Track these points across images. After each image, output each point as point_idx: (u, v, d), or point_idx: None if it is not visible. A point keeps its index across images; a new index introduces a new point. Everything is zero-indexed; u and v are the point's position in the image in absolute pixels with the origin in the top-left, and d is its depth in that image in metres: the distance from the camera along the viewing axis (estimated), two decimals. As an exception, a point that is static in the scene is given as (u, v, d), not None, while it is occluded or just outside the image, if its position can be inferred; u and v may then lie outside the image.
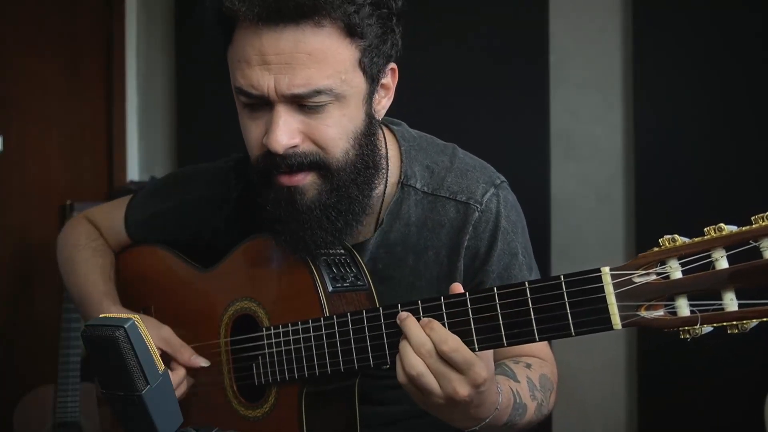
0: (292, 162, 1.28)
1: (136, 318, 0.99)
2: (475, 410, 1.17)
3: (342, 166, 1.30)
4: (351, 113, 1.29)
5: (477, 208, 1.40)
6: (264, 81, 1.24)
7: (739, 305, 1.00)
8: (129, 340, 0.97)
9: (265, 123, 1.28)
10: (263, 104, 1.28)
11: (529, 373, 1.35)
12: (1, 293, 3.34)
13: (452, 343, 1.13)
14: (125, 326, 0.97)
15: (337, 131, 1.28)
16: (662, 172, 2.88)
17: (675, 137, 2.86)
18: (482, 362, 1.14)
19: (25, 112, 3.40)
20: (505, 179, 1.46)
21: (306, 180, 1.30)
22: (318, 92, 1.24)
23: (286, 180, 1.30)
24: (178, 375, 1.45)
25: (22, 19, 3.41)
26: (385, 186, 1.43)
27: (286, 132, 1.26)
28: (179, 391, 1.45)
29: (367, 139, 1.33)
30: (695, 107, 2.84)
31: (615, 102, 2.98)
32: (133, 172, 3.72)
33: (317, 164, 1.29)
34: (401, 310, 1.21)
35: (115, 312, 1.51)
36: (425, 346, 1.14)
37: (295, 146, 1.27)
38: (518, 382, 1.31)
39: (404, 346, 1.16)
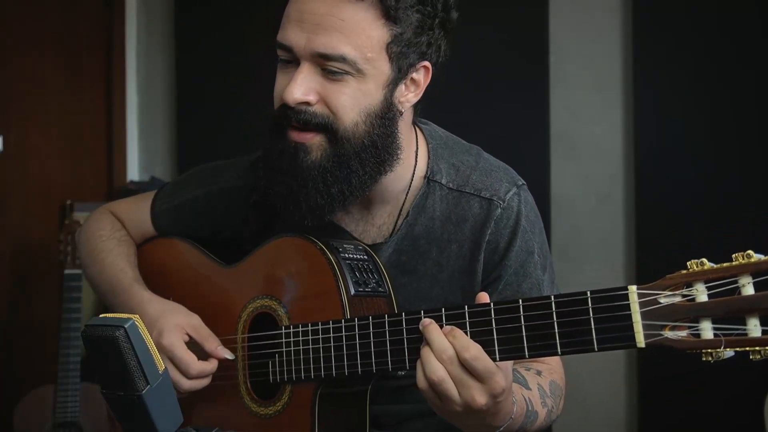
0: (301, 117, 1.34)
1: (137, 318, 0.99)
2: (491, 419, 1.19)
3: (349, 136, 1.35)
4: (368, 90, 1.35)
5: (500, 204, 1.44)
6: (295, 36, 1.33)
7: (763, 332, 1.01)
8: (129, 340, 0.97)
9: (290, 78, 1.35)
10: (295, 63, 1.35)
11: (539, 380, 1.37)
12: (1, 293, 3.34)
13: (474, 351, 1.15)
14: (125, 326, 0.97)
15: (350, 100, 1.34)
16: (662, 171, 2.88)
17: (675, 137, 2.87)
18: (502, 372, 1.15)
19: (25, 112, 3.40)
20: (525, 182, 1.50)
21: (314, 140, 1.36)
22: (343, 58, 1.31)
23: (295, 136, 1.36)
24: (206, 366, 1.45)
25: (22, 18, 3.41)
26: (411, 181, 1.46)
27: (302, 87, 1.33)
28: (200, 383, 1.45)
29: (380, 121, 1.37)
30: (695, 107, 2.84)
31: (615, 102, 2.98)
32: (133, 172, 3.72)
33: (325, 126, 1.35)
34: (424, 317, 1.22)
35: (147, 297, 1.53)
36: (447, 352, 1.16)
37: (307, 103, 1.34)
38: (530, 389, 1.33)
39: (426, 352, 1.18)
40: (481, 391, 1.15)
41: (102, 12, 3.64)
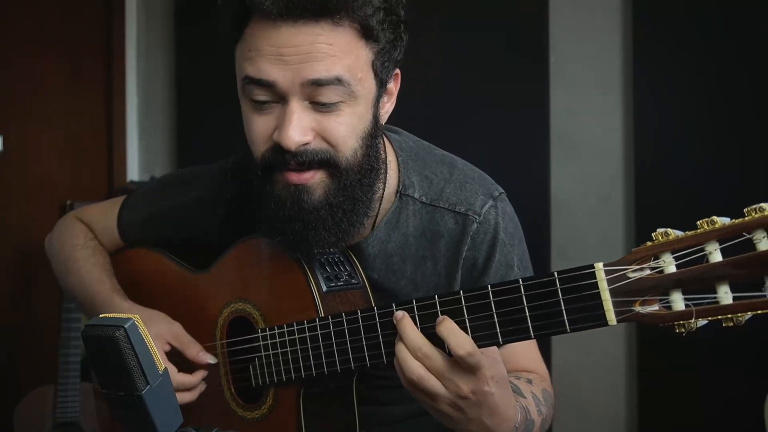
0: (303, 159, 1.26)
1: (137, 318, 0.99)
2: (490, 419, 1.16)
3: (350, 165, 1.30)
4: (360, 113, 1.29)
5: (475, 219, 1.40)
6: (278, 72, 1.23)
7: (734, 298, 1.00)
8: (129, 340, 0.97)
9: (275, 118, 1.27)
10: (274, 101, 1.26)
11: (532, 389, 1.36)
12: (1, 293, 3.34)
13: (469, 347, 1.12)
14: (125, 326, 0.97)
15: (348, 129, 1.28)
16: (662, 172, 2.88)
17: (675, 137, 2.86)
18: (488, 359, 1.13)
19: (25, 112, 3.41)
20: (503, 191, 1.46)
21: (314, 178, 1.28)
22: (338, 80, 1.23)
23: (294, 178, 1.28)
24: (187, 378, 1.44)
25: (23, 19, 3.41)
26: (383, 192, 1.42)
27: (300, 128, 1.24)
28: (194, 394, 1.44)
29: (372, 141, 1.33)
30: (696, 107, 2.84)
31: (615, 102, 2.98)
32: (133, 172, 3.72)
33: (327, 162, 1.28)
34: (396, 310, 1.21)
35: (128, 307, 1.52)
36: (422, 349, 1.14)
37: (306, 143, 1.26)
38: (525, 398, 1.31)
39: (401, 350, 1.16)
40: (466, 379, 1.13)
41: (102, 12, 3.64)
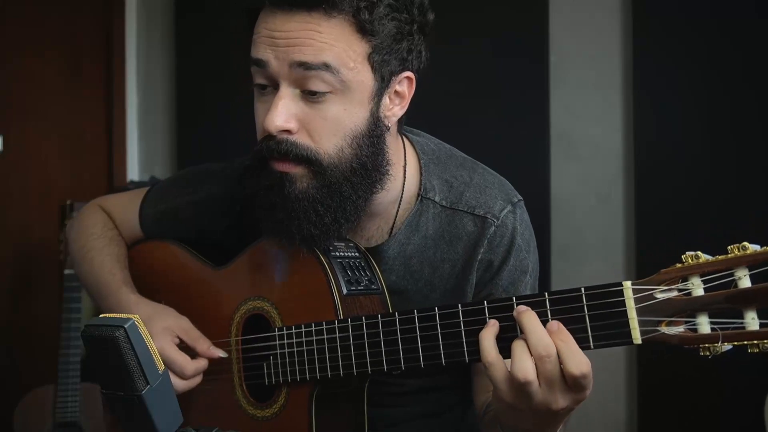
0: (283, 149, 1.28)
1: (137, 318, 0.99)
2: (555, 422, 1.15)
3: (335, 162, 1.30)
4: (353, 109, 1.29)
5: (494, 222, 1.40)
6: (272, 54, 1.27)
7: (761, 324, 0.99)
8: (129, 340, 0.97)
9: (269, 106, 1.30)
10: (271, 86, 1.30)
11: None
12: (1, 293, 3.34)
13: (586, 368, 1.09)
14: (125, 326, 0.97)
15: (333, 126, 1.28)
16: (662, 171, 2.88)
17: (675, 137, 2.87)
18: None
19: (25, 112, 3.40)
20: (521, 198, 1.46)
21: (296, 169, 1.30)
22: (326, 66, 1.24)
23: (279, 166, 1.30)
24: (200, 364, 1.44)
25: (23, 19, 3.41)
26: (402, 194, 1.42)
27: (284, 113, 1.27)
28: (195, 381, 1.44)
29: (368, 140, 1.32)
30: (695, 107, 2.84)
31: (615, 102, 2.98)
32: (133, 172, 3.72)
33: (308, 159, 1.29)
34: (417, 315, 1.21)
35: (134, 300, 1.52)
36: (548, 349, 1.09)
37: (289, 131, 1.28)
38: None
39: (519, 345, 1.10)
40: (567, 396, 1.10)
41: (102, 12, 3.64)
